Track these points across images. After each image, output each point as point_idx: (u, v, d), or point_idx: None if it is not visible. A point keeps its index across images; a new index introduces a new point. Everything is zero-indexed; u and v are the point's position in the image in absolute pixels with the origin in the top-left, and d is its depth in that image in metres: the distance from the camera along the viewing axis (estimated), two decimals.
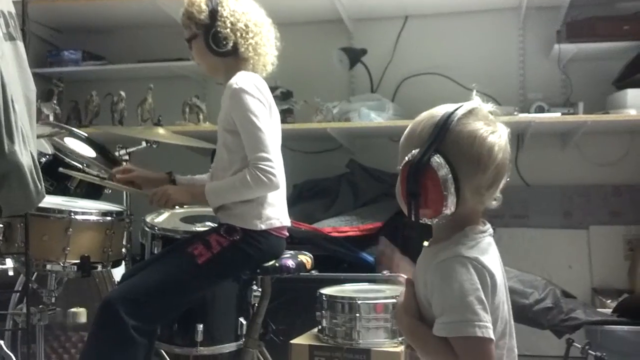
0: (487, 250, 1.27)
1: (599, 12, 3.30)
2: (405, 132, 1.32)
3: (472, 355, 1.17)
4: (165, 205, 2.22)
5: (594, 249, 3.47)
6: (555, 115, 3.20)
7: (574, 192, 3.53)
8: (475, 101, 1.29)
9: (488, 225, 1.32)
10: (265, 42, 2.24)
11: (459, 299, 1.18)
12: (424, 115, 1.30)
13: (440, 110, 1.28)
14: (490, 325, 1.17)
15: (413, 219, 1.25)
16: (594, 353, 2.53)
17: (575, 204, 3.52)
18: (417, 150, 1.24)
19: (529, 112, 3.26)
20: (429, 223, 1.27)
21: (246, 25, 2.19)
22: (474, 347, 1.16)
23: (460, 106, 1.27)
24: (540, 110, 3.27)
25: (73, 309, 2.57)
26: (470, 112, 1.26)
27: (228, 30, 2.17)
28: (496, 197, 1.29)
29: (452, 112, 1.25)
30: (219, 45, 2.18)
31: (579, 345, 2.61)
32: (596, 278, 3.44)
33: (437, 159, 1.21)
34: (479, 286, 1.19)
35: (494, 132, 1.25)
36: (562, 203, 3.53)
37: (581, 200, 3.52)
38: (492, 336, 1.17)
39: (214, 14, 2.17)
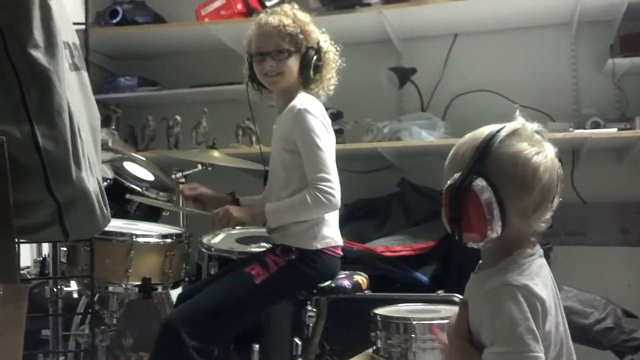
0: (538, 274, 1.24)
1: None
2: (449, 154, 1.30)
3: None
4: (228, 225, 2.26)
5: None
6: (611, 131, 3.14)
7: (632, 209, 3.43)
8: (519, 121, 1.26)
9: (537, 247, 1.29)
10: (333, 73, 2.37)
11: (509, 329, 1.16)
12: (467, 137, 1.29)
13: (483, 132, 1.26)
14: (541, 354, 1.16)
15: (458, 241, 1.24)
16: None
17: (633, 221, 3.42)
18: (459, 173, 1.22)
19: (584, 128, 3.21)
20: (475, 247, 1.25)
21: (333, 60, 2.33)
22: None
23: (504, 127, 1.25)
24: (596, 126, 3.21)
25: None
26: (513, 133, 1.24)
27: (322, 62, 2.30)
28: (545, 220, 1.24)
29: (495, 134, 1.23)
30: (310, 71, 2.27)
31: None
32: None
33: (479, 182, 1.19)
34: (529, 315, 1.17)
35: (539, 152, 1.22)
36: (620, 220, 3.44)
37: (639, 217, 3.43)
38: None
39: (320, 44, 2.31)
